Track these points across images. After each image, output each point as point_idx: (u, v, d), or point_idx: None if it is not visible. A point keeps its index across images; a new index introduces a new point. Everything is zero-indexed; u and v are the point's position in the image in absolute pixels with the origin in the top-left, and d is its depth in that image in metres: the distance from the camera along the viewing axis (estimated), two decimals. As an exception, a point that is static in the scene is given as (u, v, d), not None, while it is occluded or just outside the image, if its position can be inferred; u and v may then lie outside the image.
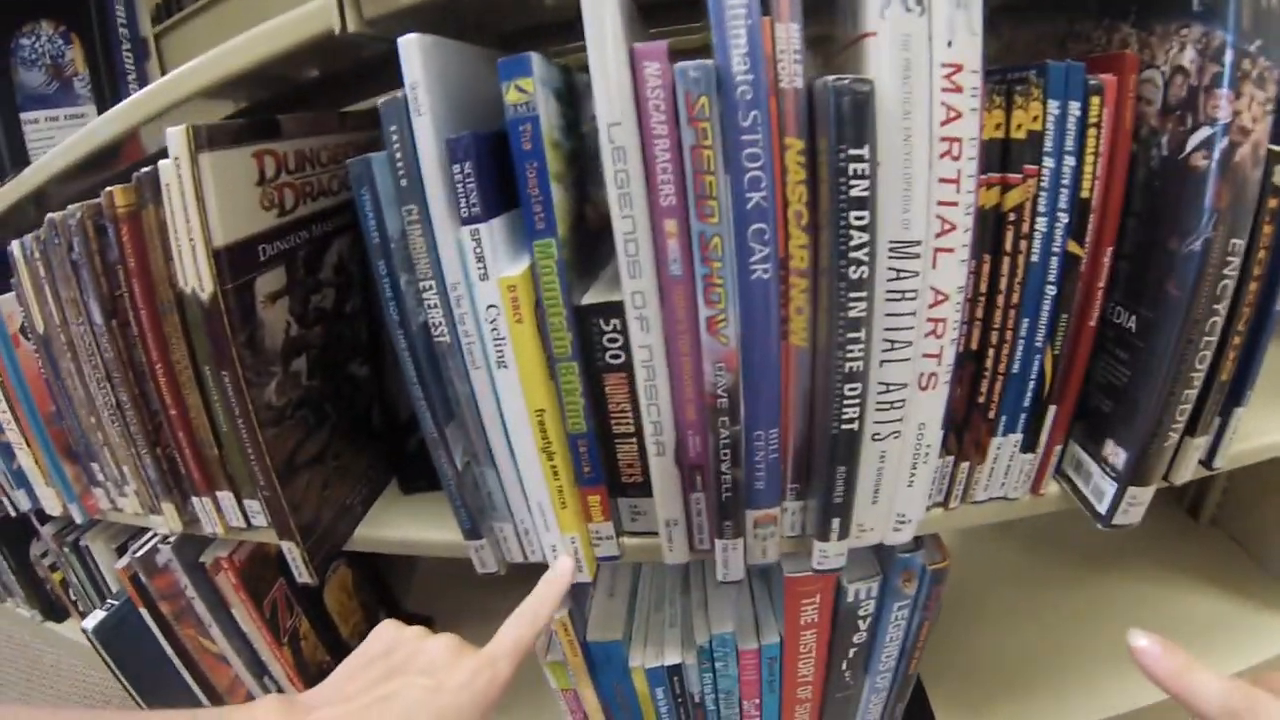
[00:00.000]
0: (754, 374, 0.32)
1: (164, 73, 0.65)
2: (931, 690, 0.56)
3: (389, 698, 0.28)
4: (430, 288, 0.34)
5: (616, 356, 0.34)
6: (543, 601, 0.34)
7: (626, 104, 0.29)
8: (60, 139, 0.57)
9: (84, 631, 0.62)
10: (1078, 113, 0.34)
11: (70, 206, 0.47)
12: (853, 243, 0.30)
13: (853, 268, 0.30)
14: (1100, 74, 0.34)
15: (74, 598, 0.84)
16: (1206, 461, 0.44)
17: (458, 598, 0.75)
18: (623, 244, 0.30)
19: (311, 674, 0.64)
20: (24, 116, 0.59)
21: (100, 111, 0.61)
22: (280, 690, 0.65)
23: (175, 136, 0.36)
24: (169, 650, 0.62)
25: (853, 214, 0.29)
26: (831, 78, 0.28)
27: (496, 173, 0.32)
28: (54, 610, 0.94)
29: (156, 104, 0.45)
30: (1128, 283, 0.39)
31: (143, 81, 0.64)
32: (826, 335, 0.32)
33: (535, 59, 0.30)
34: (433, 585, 0.79)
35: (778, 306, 0.31)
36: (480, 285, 0.32)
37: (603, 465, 0.37)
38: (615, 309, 0.33)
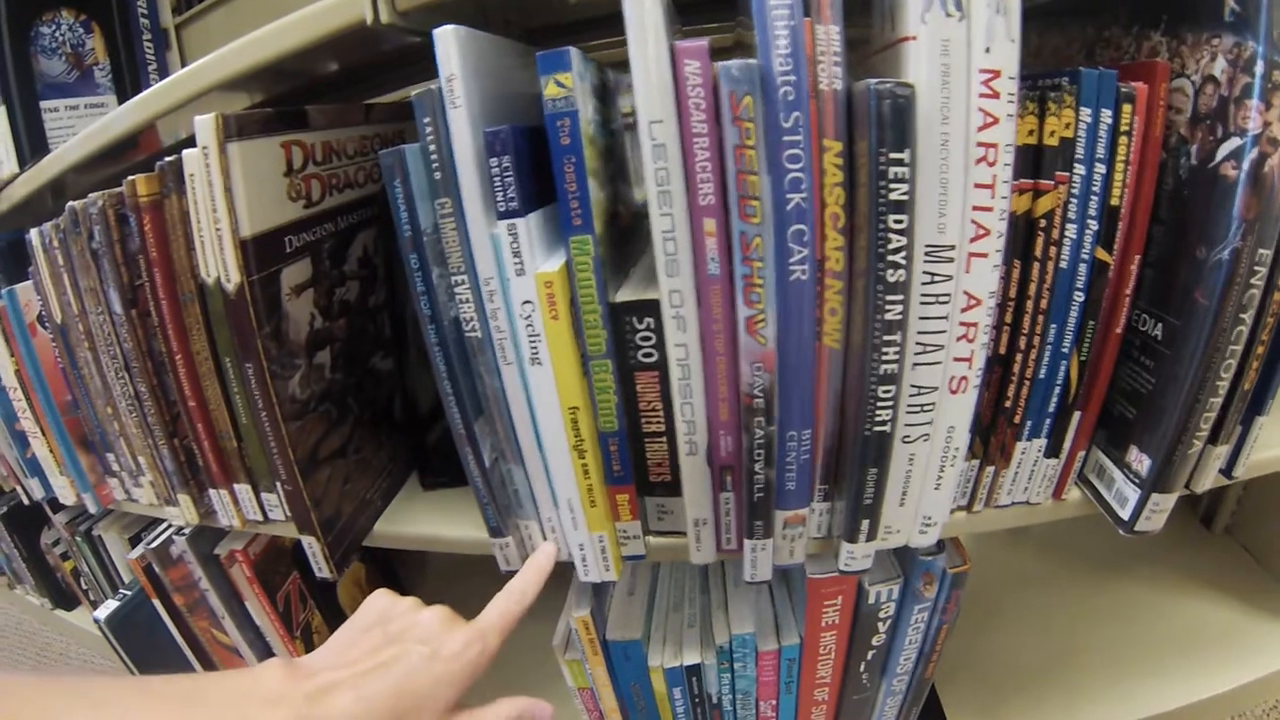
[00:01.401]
0: (790, 375, 0.32)
1: (184, 64, 0.65)
2: (944, 694, 0.56)
3: (389, 663, 0.30)
4: (462, 282, 0.33)
5: (649, 355, 0.34)
6: (529, 582, 0.36)
7: (667, 101, 0.29)
8: (80, 128, 0.56)
9: (96, 622, 0.61)
10: (1109, 120, 0.34)
11: (91, 195, 0.47)
12: (891, 246, 0.30)
13: (890, 271, 0.30)
14: (1132, 82, 0.34)
15: (85, 586, 0.84)
16: (1226, 470, 0.44)
17: (468, 592, 0.75)
18: (661, 242, 0.30)
19: (322, 668, 0.64)
20: (44, 105, 0.59)
21: (120, 101, 0.61)
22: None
23: (204, 125, 0.35)
24: (181, 641, 0.61)
25: (891, 217, 0.29)
26: (874, 80, 0.28)
27: (531, 167, 0.32)
28: (64, 598, 0.93)
29: (177, 95, 0.45)
30: (1154, 290, 0.39)
31: (163, 72, 0.64)
32: (861, 337, 0.32)
33: (574, 54, 0.30)
34: (444, 580, 0.79)
35: (814, 308, 0.31)
36: (516, 281, 0.31)
37: (632, 464, 0.36)
38: (649, 307, 0.33)
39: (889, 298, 0.30)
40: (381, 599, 0.35)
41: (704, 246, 0.30)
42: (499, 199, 0.31)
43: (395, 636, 0.32)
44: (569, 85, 0.30)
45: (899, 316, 0.31)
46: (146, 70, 0.64)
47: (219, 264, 0.39)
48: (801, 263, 0.30)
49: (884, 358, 0.32)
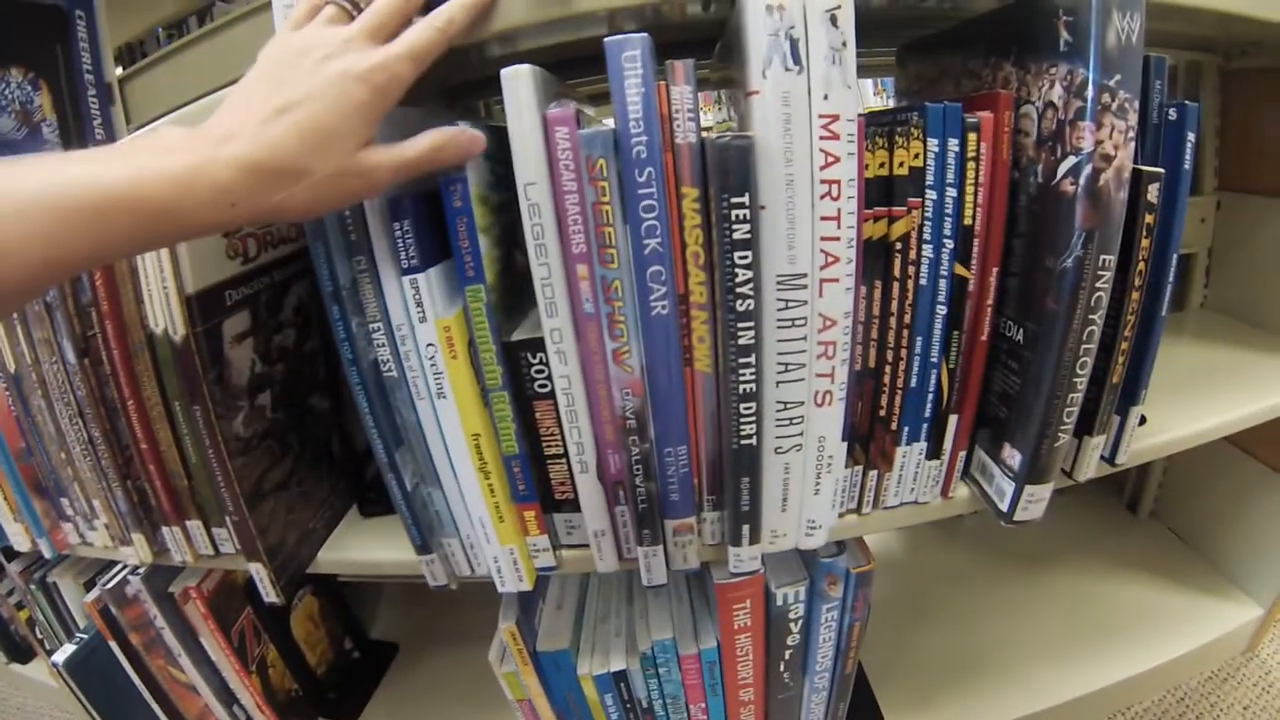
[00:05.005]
0: (660, 397, 0.38)
1: (128, 119, 0.70)
2: (878, 688, 0.61)
3: (290, 107, 0.30)
4: (378, 329, 0.40)
5: (544, 386, 0.40)
6: (458, 4, 0.35)
7: (540, 165, 0.35)
8: (29, 187, 0.62)
9: (54, 666, 0.67)
10: (956, 148, 0.40)
11: (43, 255, 0.52)
12: (739, 279, 0.36)
13: (739, 300, 0.36)
14: (979, 111, 0.40)
15: (40, 636, 0.89)
16: (1109, 458, 0.50)
17: (420, 624, 0.80)
18: (540, 288, 0.36)
19: (280, 701, 0.70)
20: (-6, 165, 0.64)
21: (67, 159, 0.66)
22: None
23: (147, 198, 0.42)
24: (138, 681, 0.66)
25: (737, 254, 0.35)
26: (715, 135, 0.34)
27: (431, 225, 0.38)
28: (19, 651, 0.97)
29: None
30: (1018, 299, 0.45)
31: (108, 127, 0.70)
32: (724, 361, 0.38)
33: (464, 125, 0.36)
34: (395, 612, 0.84)
35: (678, 337, 0.37)
36: (420, 327, 0.38)
37: (536, 483, 0.43)
38: (539, 344, 0.39)
39: (741, 324, 0.36)
40: (278, 38, 0.33)
41: (579, 289, 0.36)
42: (402, 258, 0.36)
43: (295, 66, 0.31)
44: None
45: (751, 341, 0.37)
46: (92, 125, 0.69)
47: (166, 317, 0.45)
48: (662, 299, 0.36)
49: (741, 378, 0.37)
